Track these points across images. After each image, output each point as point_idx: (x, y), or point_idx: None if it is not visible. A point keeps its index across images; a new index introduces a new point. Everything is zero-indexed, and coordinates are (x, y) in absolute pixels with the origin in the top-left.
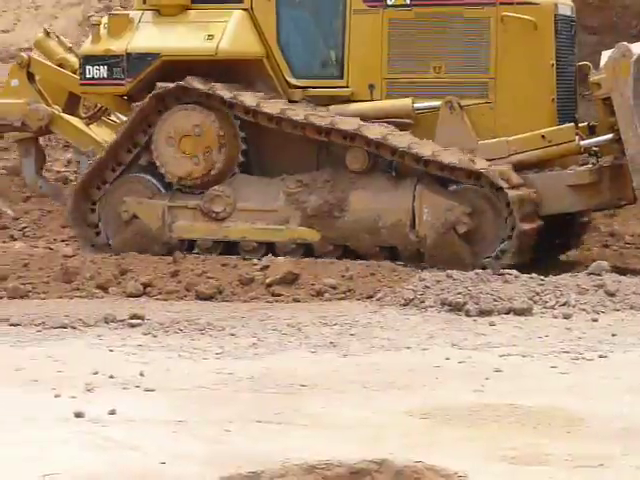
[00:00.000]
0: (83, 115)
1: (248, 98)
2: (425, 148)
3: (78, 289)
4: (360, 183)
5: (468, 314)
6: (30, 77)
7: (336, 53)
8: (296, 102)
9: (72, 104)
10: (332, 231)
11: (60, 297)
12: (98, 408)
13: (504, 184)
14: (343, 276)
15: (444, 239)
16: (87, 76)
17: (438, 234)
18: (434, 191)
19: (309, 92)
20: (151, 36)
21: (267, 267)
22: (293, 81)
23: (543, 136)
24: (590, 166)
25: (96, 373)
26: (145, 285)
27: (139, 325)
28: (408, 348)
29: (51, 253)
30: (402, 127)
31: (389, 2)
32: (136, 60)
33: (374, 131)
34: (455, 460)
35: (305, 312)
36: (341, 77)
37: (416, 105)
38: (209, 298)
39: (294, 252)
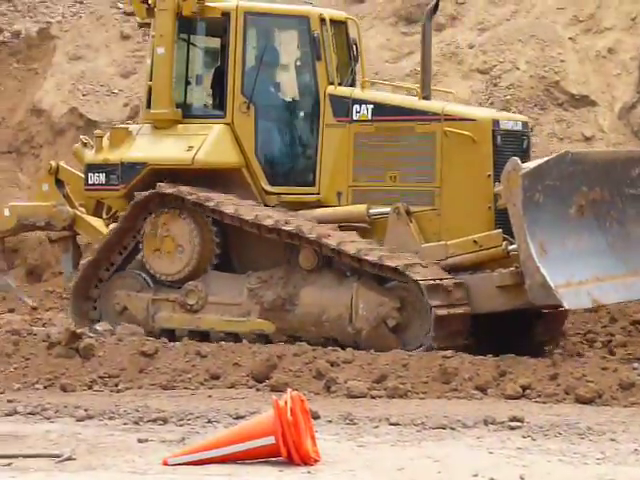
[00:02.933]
0: (104, 216)
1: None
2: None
3: (456, 390)
4: (310, 280)
5: None
6: (59, 182)
7: (309, 163)
8: (272, 207)
9: (99, 206)
10: (285, 323)
11: (439, 397)
12: None
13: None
14: None
15: (376, 332)
16: (89, 182)
17: (371, 327)
18: (370, 288)
19: (283, 198)
20: (143, 147)
21: None
22: (269, 188)
23: (475, 241)
24: (512, 269)
25: (476, 475)
26: (524, 387)
27: (518, 428)
28: None
29: (430, 354)
30: (360, 230)
31: (354, 117)
32: (128, 168)
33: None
34: None
35: None
36: (313, 184)
37: (370, 211)
38: (589, 402)
39: (255, 341)
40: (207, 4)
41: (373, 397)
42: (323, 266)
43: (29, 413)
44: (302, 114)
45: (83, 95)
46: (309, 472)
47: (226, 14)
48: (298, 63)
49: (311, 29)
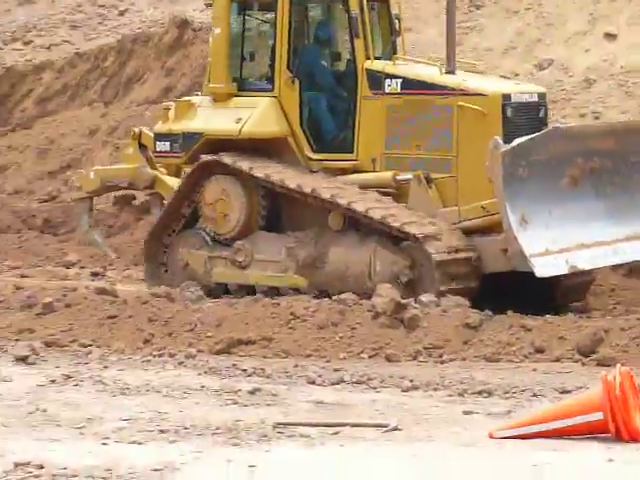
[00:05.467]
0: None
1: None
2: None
3: None
4: (337, 240)
5: None
6: (142, 146)
7: (348, 132)
8: (315, 172)
9: (179, 167)
10: (315, 279)
11: None
12: None
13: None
14: None
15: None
16: (157, 149)
17: (387, 283)
18: (385, 247)
19: (325, 164)
20: (201, 119)
21: None
22: (312, 155)
23: (483, 207)
24: None
25: None
26: None
27: None
28: None
29: None
30: (390, 194)
31: (387, 90)
32: (188, 138)
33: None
34: None
35: None
36: (351, 152)
37: (397, 177)
38: None
39: (291, 296)
40: None
41: None
42: (350, 227)
43: (355, 382)
44: (342, 87)
45: None
46: (638, 449)
47: None
48: (339, 40)
49: (350, 9)
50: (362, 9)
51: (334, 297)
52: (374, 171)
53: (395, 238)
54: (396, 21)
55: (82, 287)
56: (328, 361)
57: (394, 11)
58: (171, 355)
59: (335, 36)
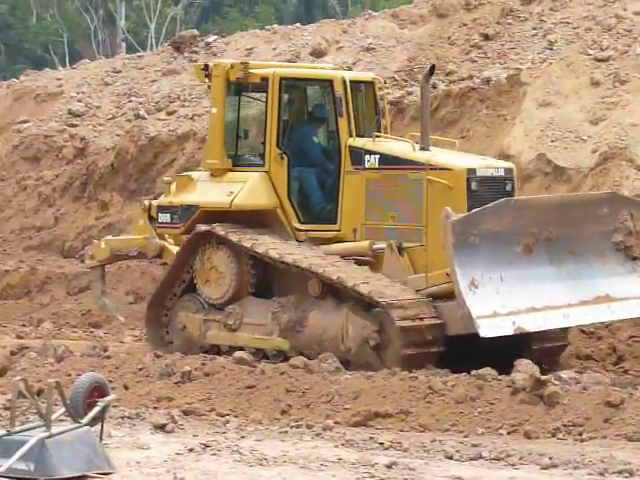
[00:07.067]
0: None
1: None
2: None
3: None
4: (316, 305)
5: None
6: (151, 218)
7: (332, 205)
8: (301, 242)
9: None
10: (296, 342)
11: None
12: None
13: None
14: None
15: (361, 350)
16: (159, 221)
17: (357, 346)
18: (357, 313)
19: (311, 234)
20: (199, 192)
21: None
22: (299, 226)
23: (447, 274)
24: None
25: None
26: None
27: None
28: None
29: None
30: (366, 263)
31: (366, 165)
32: (186, 210)
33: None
34: None
35: None
36: (335, 223)
37: (374, 247)
38: None
39: (275, 357)
40: (250, 71)
41: None
42: (327, 294)
43: (493, 459)
44: (327, 162)
45: (551, 141)
46: None
47: (265, 79)
48: (324, 119)
49: (335, 90)
50: (346, 90)
51: (472, 372)
52: (355, 240)
53: (367, 304)
54: (381, 101)
55: (221, 356)
56: (466, 436)
57: (378, 93)
58: (308, 426)
59: (320, 116)
